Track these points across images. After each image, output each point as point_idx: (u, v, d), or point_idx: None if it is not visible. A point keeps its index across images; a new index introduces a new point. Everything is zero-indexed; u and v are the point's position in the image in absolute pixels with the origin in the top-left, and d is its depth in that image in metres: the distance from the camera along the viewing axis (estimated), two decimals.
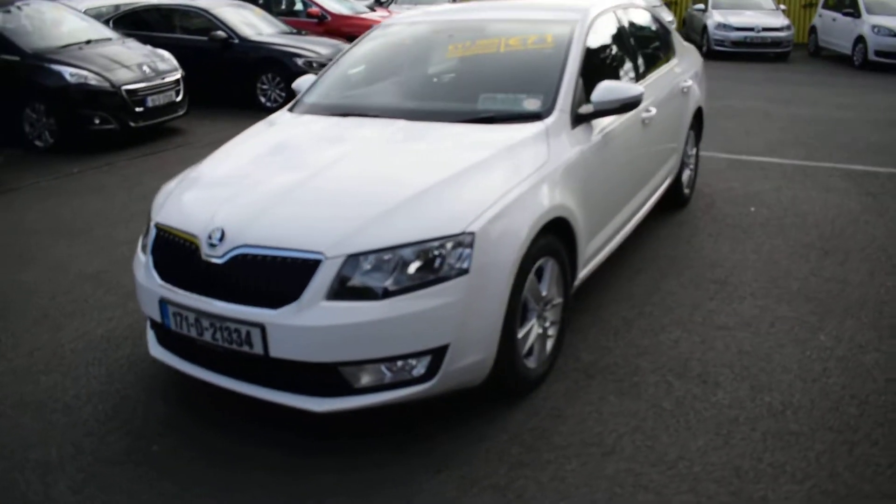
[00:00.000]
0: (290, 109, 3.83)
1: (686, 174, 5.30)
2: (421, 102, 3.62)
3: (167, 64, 8.37)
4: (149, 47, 8.59)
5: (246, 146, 3.49)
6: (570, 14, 3.82)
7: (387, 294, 2.50)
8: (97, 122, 7.45)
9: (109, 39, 8.41)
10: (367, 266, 2.52)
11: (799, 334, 3.49)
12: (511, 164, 2.95)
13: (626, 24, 4.24)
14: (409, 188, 2.77)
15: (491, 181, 2.83)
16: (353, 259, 2.52)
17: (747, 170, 6.39)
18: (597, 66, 3.83)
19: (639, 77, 4.16)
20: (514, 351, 2.82)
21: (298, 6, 12.26)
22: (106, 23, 10.52)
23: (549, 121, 3.23)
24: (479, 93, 3.55)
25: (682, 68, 5.00)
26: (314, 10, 11.75)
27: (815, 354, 3.31)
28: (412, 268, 2.53)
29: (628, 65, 4.14)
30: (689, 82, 4.98)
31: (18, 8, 8.07)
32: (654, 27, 4.84)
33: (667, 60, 4.81)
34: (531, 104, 3.35)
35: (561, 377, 3.16)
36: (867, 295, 3.89)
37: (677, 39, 5.26)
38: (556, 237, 3.05)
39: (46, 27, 8.03)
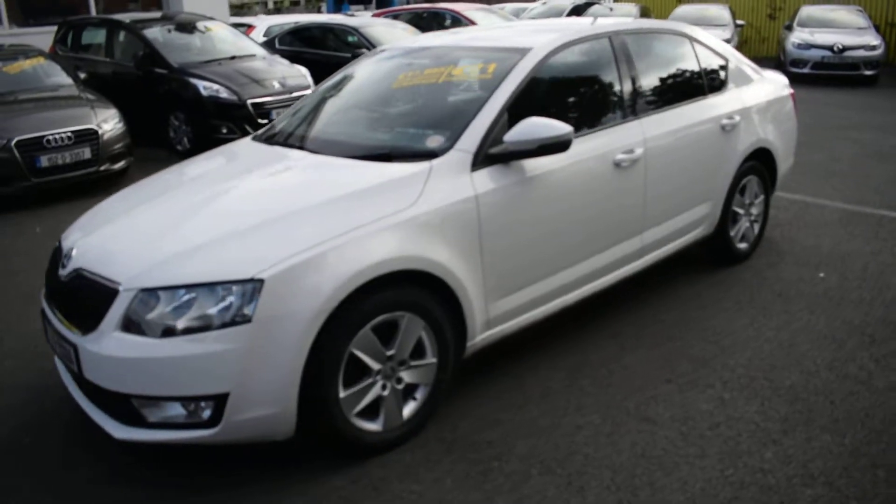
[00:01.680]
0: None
1: (740, 227, 4.50)
2: (336, 134, 3.46)
3: (299, 80, 8.96)
4: (286, 64, 9.27)
5: (175, 170, 3.61)
6: (531, 42, 3.42)
7: (168, 333, 2.44)
8: (224, 131, 8.19)
9: (253, 56, 9.21)
10: (155, 302, 2.48)
11: (740, 445, 2.78)
12: (361, 207, 2.71)
13: (623, 54, 3.69)
14: (239, 225, 2.67)
15: (325, 224, 2.63)
16: (146, 293, 2.49)
17: (853, 224, 5.26)
18: (550, 102, 3.42)
19: (628, 114, 3.60)
20: (330, 409, 2.59)
21: (448, 23, 12.45)
22: (273, 39, 11.60)
23: (437, 161, 2.93)
24: (396, 126, 3.32)
25: (731, 102, 4.24)
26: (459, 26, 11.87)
27: (737, 477, 2.61)
28: (196, 309, 2.44)
29: (609, 101, 3.60)
30: (736, 119, 4.21)
31: (176, 25, 9.19)
32: (682, 56, 4.15)
33: (702, 93, 4.11)
34: (433, 141, 3.06)
35: (418, 446, 2.84)
36: (882, 406, 2.99)
37: (740, 68, 4.47)
38: (422, 291, 2.76)
39: (195, 43, 9.03)
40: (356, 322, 2.60)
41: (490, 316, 3.06)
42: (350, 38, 10.82)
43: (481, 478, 2.65)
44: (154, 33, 8.86)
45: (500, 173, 3.02)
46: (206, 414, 2.49)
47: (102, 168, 6.90)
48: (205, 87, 8.20)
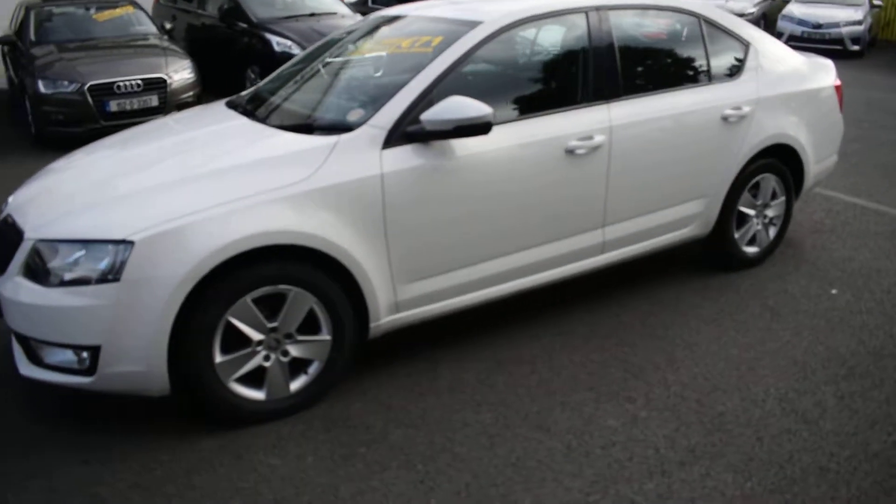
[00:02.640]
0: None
1: (748, 230, 4.06)
2: (281, 102, 3.40)
3: None
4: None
5: (143, 126, 3.73)
6: (486, 15, 3.20)
7: (56, 283, 2.56)
8: None
9: (334, 13, 9.31)
10: (50, 253, 2.60)
11: (623, 471, 2.55)
12: (255, 178, 2.69)
13: (601, 32, 3.36)
14: (138, 186, 2.75)
15: (211, 192, 2.63)
16: (43, 243, 2.62)
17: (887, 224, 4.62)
18: (496, 80, 3.21)
19: (593, 98, 3.30)
20: (203, 373, 2.64)
21: None
22: None
23: (345, 136, 2.84)
24: (331, 97, 3.25)
25: (743, 91, 3.79)
26: None
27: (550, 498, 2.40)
28: (80, 264, 2.55)
29: (570, 82, 3.31)
30: (745, 110, 3.76)
31: None
32: (684, 38, 3.73)
33: (704, 80, 3.70)
34: (353, 115, 2.97)
35: (302, 420, 2.84)
36: (814, 451, 2.63)
37: (766, 54, 3.95)
38: (312, 267, 2.73)
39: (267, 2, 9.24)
40: (234, 291, 2.62)
41: (399, 299, 2.98)
42: None
43: (341, 461, 2.62)
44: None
45: (416, 153, 2.89)
46: (86, 363, 2.62)
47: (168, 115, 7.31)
48: (278, 43, 8.41)
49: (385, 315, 2.98)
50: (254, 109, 3.41)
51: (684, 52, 3.73)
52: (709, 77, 3.74)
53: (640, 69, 3.54)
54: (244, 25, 8.75)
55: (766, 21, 14.45)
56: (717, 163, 3.76)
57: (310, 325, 2.84)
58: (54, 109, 6.89)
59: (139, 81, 7.10)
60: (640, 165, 3.46)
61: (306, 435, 2.77)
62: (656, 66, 3.64)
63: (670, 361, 3.23)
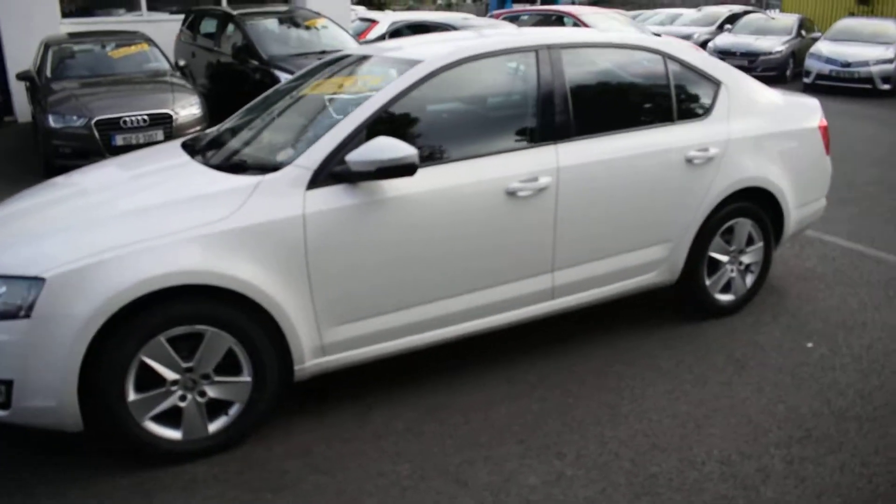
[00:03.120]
0: None
1: (721, 276, 3.88)
2: (226, 141, 3.39)
3: None
4: None
5: (106, 161, 3.77)
6: (427, 55, 3.16)
7: None
8: None
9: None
10: None
11: None
12: (174, 217, 2.66)
13: (552, 71, 3.27)
14: (64, 223, 2.77)
15: (129, 230, 2.61)
16: None
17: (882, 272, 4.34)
18: (434, 121, 3.17)
19: (540, 139, 3.21)
20: (116, 411, 2.60)
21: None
22: (383, 36, 11.84)
23: (269, 176, 2.80)
24: (270, 137, 3.23)
25: (711, 132, 3.64)
26: None
27: None
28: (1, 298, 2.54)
29: (514, 123, 3.23)
30: (712, 151, 3.61)
31: (282, 18, 9.66)
32: (646, 77, 3.63)
33: (666, 120, 3.58)
34: (283, 155, 2.94)
35: (218, 462, 2.77)
36: None
37: (740, 93, 3.81)
38: (230, 307, 2.68)
39: (292, 37, 9.42)
40: (147, 330, 2.58)
41: (325, 342, 2.89)
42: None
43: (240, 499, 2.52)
44: (256, 25, 9.39)
45: (343, 194, 2.83)
46: (2, 397, 2.59)
47: None
48: (285, 79, 8.55)
49: (311, 358, 2.90)
50: (200, 149, 3.41)
51: (646, 92, 3.62)
52: (673, 117, 3.61)
53: (595, 109, 3.43)
54: (255, 63, 8.94)
55: (796, 60, 14.19)
56: (682, 206, 3.61)
57: (231, 365, 2.78)
58: (63, 143, 7.06)
59: (145, 117, 7.25)
60: (591, 208, 3.33)
61: (219, 477, 2.69)
62: (614, 106, 3.53)
63: (614, 415, 3.06)
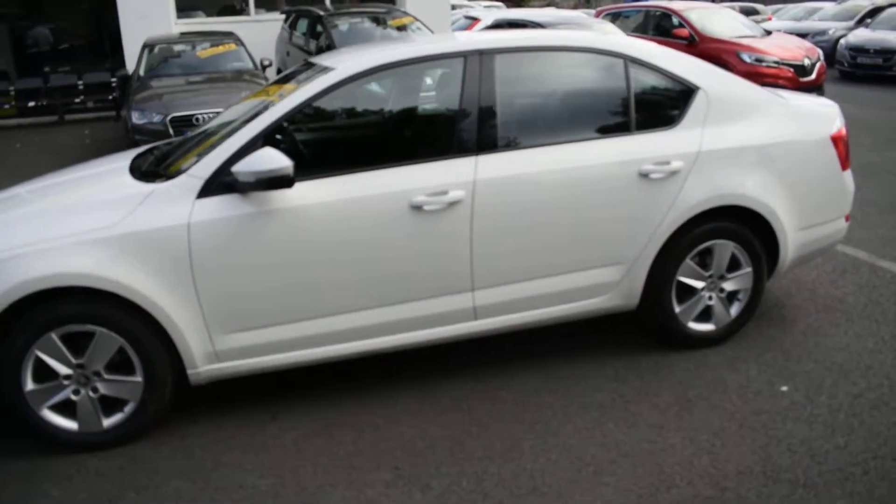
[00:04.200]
0: None
1: (696, 304, 3.47)
2: (161, 151, 3.50)
3: None
4: None
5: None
6: (341, 63, 3.07)
7: None
8: None
9: None
10: None
11: None
12: (71, 220, 2.81)
13: (480, 78, 3.06)
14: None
15: (28, 233, 2.79)
16: None
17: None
18: (341, 130, 3.08)
19: (457, 150, 3.03)
20: (15, 400, 2.81)
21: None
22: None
23: (162, 184, 2.87)
24: (194, 146, 3.28)
25: (677, 143, 3.26)
26: (683, 30, 10.41)
27: None
28: None
29: (429, 133, 3.05)
30: (675, 165, 3.22)
31: (370, 18, 9.86)
32: (600, 83, 3.29)
33: (621, 130, 3.25)
34: (187, 163, 2.99)
35: (107, 456, 2.90)
36: None
37: (723, 98, 3.36)
38: (119, 309, 2.79)
39: (374, 36, 9.57)
40: (38, 327, 2.75)
41: (218, 349, 2.93)
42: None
43: (105, 503, 2.63)
44: (338, 26, 9.65)
45: (233, 204, 2.84)
46: None
47: None
48: None
49: (203, 363, 2.95)
50: (140, 156, 3.55)
51: (597, 99, 3.29)
52: (629, 127, 3.27)
53: (531, 119, 3.19)
54: None
55: None
56: (635, 225, 3.26)
57: (124, 365, 2.90)
58: (144, 138, 7.66)
59: (216, 114, 7.70)
60: (517, 225, 3.10)
61: (100, 471, 2.82)
62: (555, 115, 3.25)
63: (510, 450, 2.84)
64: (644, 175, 3.21)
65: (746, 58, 9.31)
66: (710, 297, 3.51)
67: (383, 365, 3.43)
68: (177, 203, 2.83)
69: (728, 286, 3.51)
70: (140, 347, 2.86)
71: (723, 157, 3.33)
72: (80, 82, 10.70)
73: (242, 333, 2.95)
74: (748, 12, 17.29)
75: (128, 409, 2.95)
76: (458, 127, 3.07)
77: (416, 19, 9.96)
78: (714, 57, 9.63)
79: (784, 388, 3.21)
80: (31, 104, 10.45)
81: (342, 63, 3.09)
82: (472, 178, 3.02)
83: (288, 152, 2.90)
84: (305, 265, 2.92)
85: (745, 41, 9.64)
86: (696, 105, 3.36)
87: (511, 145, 3.11)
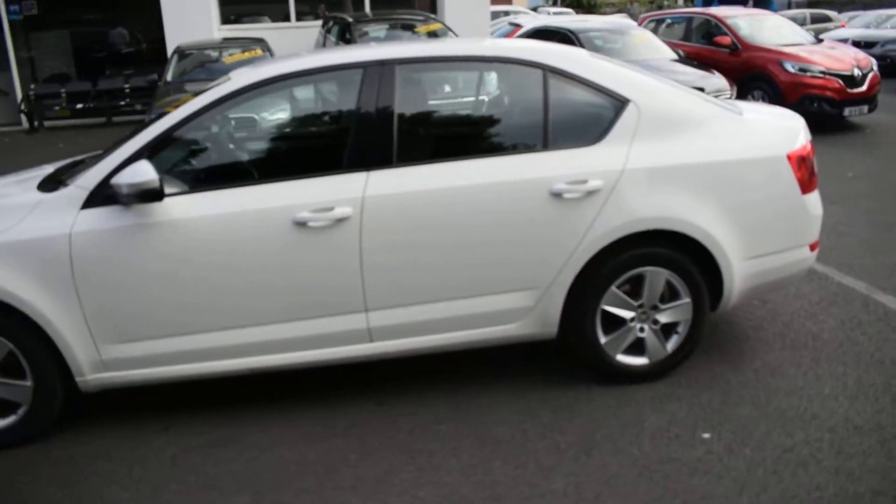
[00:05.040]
0: None
1: (625, 335, 3.19)
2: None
3: None
4: None
5: None
6: (240, 74, 2.98)
7: None
8: None
9: None
10: None
11: None
12: None
13: (380, 91, 2.90)
14: None
15: None
16: None
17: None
18: (227, 143, 3.01)
19: (347, 165, 2.89)
20: None
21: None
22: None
23: (51, 194, 2.89)
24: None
25: (598, 160, 2.99)
26: (725, 38, 9.80)
27: None
28: None
29: (318, 147, 2.91)
30: (592, 184, 2.96)
31: (391, 25, 9.81)
32: (512, 95, 3.07)
33: (534, 145, 3.03)
34: (79, 174, 2.96)
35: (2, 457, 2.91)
36: None
37: (661, 111, 3.08)
38: (6, 316, 2.82)
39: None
40: None
41: (104, 358, 2.91)
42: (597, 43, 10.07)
43: None
44: (362, 32, 9.63)
45: (115, 215, 2.81)
46: None
47: None
48: None
49: (91, 372, 2.93)
50: (71, 165, 3.57)
51: (510, 112, 3.09)
52: (544, 143, 3.04)
53: (434, 133, 3.03)
54: None
55: None
56: (548, 249, 3.02)
57: (17, 369, 2.91)
58: None
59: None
60: (412, 245, 2.93)
61: None
62: (461, 130, 3.07)
63: (381, 483, 2.66)
64: (556, 195, 2.97)
65: (790, 67, 8.69)
66: (642, 329, 3.22)
67: (293, 381, 3.33)
68: (61, 213, 2.82)
69: (663, 318, 3.21)
70: (29, 353, 2.86)
71: (652, 176, 3.05)
72: (127, 86, 11.15)
73: (128, 344, 2.91)
74: (820, 19, 16.31)
75: (21, 412, 2.96)
76: (352, 141, 2.93)
77: (446, 26, 9.85)
78: (757, 66, 9.08)
79: (706, 436, 2.90)
80: (80, 106, 10.97)
81: (238, 75, 3.01)
82: (361, 194, 2.87)
83: (175, 164, 2.85)
84: (187, 279, 2.85)
85: (790, 49, 9.00)
86: (625, 119, 3.09)
87: (409, 160, 2.94)
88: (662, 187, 3.05)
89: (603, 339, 3.20)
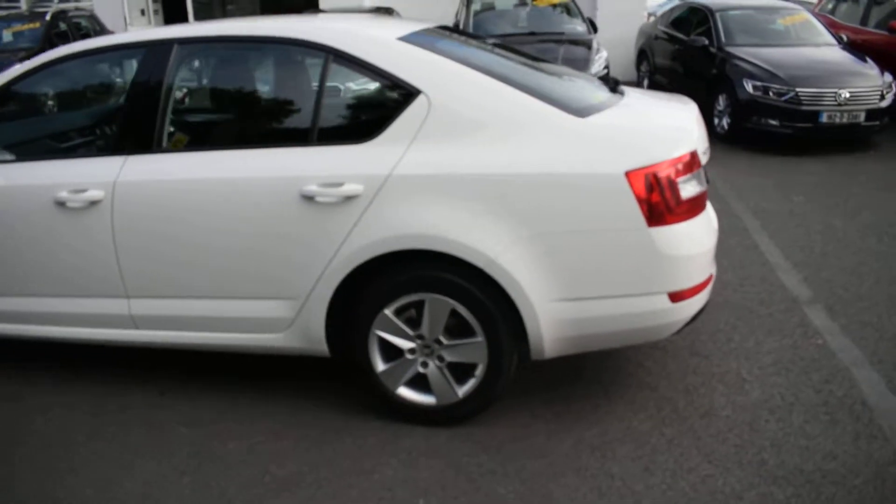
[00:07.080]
0: None
1: (406, 366, 2.71)
2: None
3: None
4: None
5: None
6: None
7: None
8: None
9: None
10: None
11: None
12: None
13: (154, 72, 2.71)
14: None
15: None
16: None
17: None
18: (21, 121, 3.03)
19: (107, 148, 2.82)
20: None
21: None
22: None
23: None
24: None
25: (359, 160, 2.54)
26: None
27: None
28: None
29: (83, 129, 2.81)
30: (351, 189, 2.51)
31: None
32: (285, 81, 2.71)
33: (298, 139, 2.66)
34: None
35: None
36: None
37: (445, 107, 2.53)
38: None
39: (520, 18, 8.90)
40: None
41: None
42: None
43: None
44: (489, 4, 9.20)
45: None
46: None
47: None
48: None
49: None
50: None
51: (280, 101, 2.74)
52: (311, 137, 2.63)
53: (201, 120, 2.82)
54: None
55: None
56: (301, 257, 2.65)
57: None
58: None
59: None
60: (162, 236, 2.75)
61: None
62: (230, 118, 2.80)
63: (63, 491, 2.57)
64: (308, 197, 2.59)
65: None
66: (425, 364, 2.71)
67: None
68: None
69: (449, 355, 2.67)
70: None
71: (425, 185, 2.51)
72: None
73: None
74: None
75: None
76: (118, 123, 2.84)
77: (574, 2, 9.00)
78: None
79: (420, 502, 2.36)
80: None
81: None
82: (114, 178, 2.76)
83: None
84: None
85: None
86: (409, 114, 2.57)
87: (170, 147, 2.76)
88: (436, 199, 2.51)
89: (381, 367, 2.76)
